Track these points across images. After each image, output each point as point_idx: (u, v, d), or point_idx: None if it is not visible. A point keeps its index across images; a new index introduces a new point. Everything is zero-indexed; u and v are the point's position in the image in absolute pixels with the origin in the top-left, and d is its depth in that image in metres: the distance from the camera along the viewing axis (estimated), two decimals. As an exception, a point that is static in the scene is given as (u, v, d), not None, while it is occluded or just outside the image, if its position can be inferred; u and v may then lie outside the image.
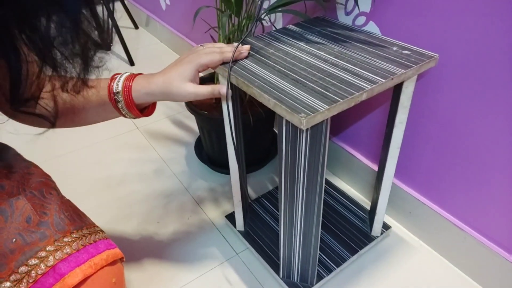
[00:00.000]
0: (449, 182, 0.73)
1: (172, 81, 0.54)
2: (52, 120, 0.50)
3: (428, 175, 0.76)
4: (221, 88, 0.56)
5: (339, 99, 0.48)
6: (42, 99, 0.47)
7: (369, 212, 0.86)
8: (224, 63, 0.58)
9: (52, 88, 0.50)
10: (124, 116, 0.59)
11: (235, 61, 0.58)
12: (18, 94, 0.39)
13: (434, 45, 0.64)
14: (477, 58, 0.60)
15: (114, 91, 0.55)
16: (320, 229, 0.64)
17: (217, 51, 0.56)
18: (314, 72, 0.55)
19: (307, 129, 0.50)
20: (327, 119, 0.50)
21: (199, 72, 0.56)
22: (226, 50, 0.57)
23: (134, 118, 0.60)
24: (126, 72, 0.58)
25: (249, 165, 1.02)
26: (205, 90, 0.55)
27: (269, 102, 0.50)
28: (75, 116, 0.58)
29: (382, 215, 0.79)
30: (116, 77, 0.56)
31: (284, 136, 0.52)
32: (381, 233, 0.82)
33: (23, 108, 0.42)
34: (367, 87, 0.51)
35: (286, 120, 0.50)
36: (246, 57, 0.59)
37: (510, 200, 0.64)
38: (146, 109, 0.60)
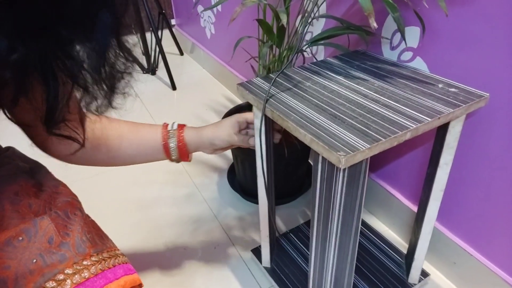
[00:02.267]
0: (498, 232, 0.66)
1: (219, 129, 0.65)
2: (81, 141, 0.51)
3: (475, 222, 0.70)
4: (251, 140, 0.65)
5: (382, 138, 0.45)
6: (70, 121, 0.49)
7: (406, 256, 0.80)
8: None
9: (78, 110, 0.53)
10: (170, 159, 0.66)
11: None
12: (54, 116, 0.41)
13: (485, 83, 0.60)
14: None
15: (169, 129, 0.65)
16: (353, 274, 0.59)
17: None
18: (354, 107, 0.53)
19: (344, 168, 0.47)
20: (367, 159, 0.47)
21: (240, 126, 0.65)
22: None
23: (177, 162, 0.67)
24: (174, 122, 0.66)
25: (281, 197, 0.99)
26: (242, 139, 0.65)
27: (305, 137, 0.47)
28: (104, 152, 0.61)
29: (421, 261, 0.73)
30: (167, 124, 0.66)
31: (319, 174, 0.50)
32: (419, 281, 0.75)
33: (56, 130, 0.43)
34: (412, 126, 0.47)
35: (323, 158, 0.47)
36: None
37: None
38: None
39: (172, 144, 0.64)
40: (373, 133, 0.46)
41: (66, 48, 0.36)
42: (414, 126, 0.47)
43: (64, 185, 0.54)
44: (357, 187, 0.49)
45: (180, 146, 0.64)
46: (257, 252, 0.83)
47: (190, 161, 0.68)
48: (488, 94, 0.54)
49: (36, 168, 0.54)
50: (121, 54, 0.41)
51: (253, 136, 0.65)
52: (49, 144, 0.56)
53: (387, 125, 0.48)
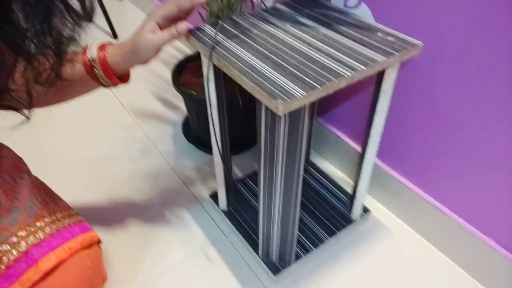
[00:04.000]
0: (433, 167, 0.74)
1: (137, 37, 0.56)
2: (26, 113, 0.49)
3: (414, 159, 0.77)
4: (178, 26, 0.56)
5: (318, 86, 0.48)
6: (15, 91, 0.46)
7: (351, 195, 0.87)
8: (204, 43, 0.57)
9: (26, 81, 0.48)
10: (103, 85, 0.59)
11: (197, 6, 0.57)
12: None
13: (423, 31, 0.64)
14: (465, 46, 0.59)
15: (89, 57, 0.56)
16: (298, 212, 0.65)
17: (173, 0, 0.57)
18: (296, 56, 0.54)
19: (285, 115, 0.50)
20: (305, 105, 0.50)
21: (160, 24, 0.57)
22: None
23: (113, 86, 0.60)
24: (92, 44, 0.58)
25: (238, 146, 1.02)
26: (164, 34, 0.56)
27: (248, 85, 0.49)
28: (54, 99, 0.57)
29: (361, 199, 0.80)
30: (87, 46, 0.57)
31: (263, 121, 0.53)
32: (361, 217, 0.83)
33: None
34: (348, 75, 0.50)
35: (265, 105, 0.50)
36: (203, 2, 0.58)
37: (493, 185, 0.66)
38: (122, 76, 0.61)
39: (98, 71, 0.57)
40: (311, 81, 0.49)
41: (4, 13, 0.33)
42: (350, 74, 0.50)
43: (8, 148, 0.53)
44: (298, 132, 0.52)
45: (106, 71, 0.57)
46: (215, 197, 0.88)
47: (127, 82, 0.62)
48: (421, 43, 0.58)
49: None
50: (67, 17, 0.38)
51: (179, 22, 0.57)
52: None
53: (325, 73, 0.51)
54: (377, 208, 0.89)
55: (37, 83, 0.42)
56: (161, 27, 0.57)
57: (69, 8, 0.38)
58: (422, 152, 0.74)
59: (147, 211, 0.88)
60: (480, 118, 0.62)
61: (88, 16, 0.41)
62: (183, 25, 0.56)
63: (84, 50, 0.57)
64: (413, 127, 0.74)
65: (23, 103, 0.49)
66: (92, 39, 0.54)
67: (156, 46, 0.56)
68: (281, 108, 0.45)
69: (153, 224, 0.85)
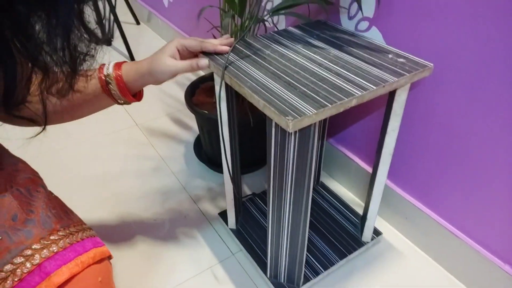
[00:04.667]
0: (444, 188, 0.73)
1: (155, 59, 0.59)
2: (42, 123, 0.50)
3: (424, 180, 0.76)
4: (199, 60, 0.58)
5: (328, 104, 0.49)
6: (31, 102, 0.47)
7: (362, 217, 0.86)
8: (216, 54, 0.59)
9: (40, 92, 0.50)
10: (116, 102, 0.61)
11: (217, 54, 0.60)
12: (12, 97, 0.40)
13: (434, 54, 0.64)
14: (475, 69, 0.60)
15: (105, 74, 0.58)
16: (307, 231, 0.65)
17: (199, 39, 0.60)
18: (307, 75, 0.55)
19: (295, 132, 0.51)
20: (315, 123, 0.50)
21: (180, 51, 0.60)
22: (209, 41, 0.60)
23: (127, 103, 0.62)
24: (110, 63, 0.60)
25: (249, 165, 1.02)
26: (184, 64, 0.58)
27: (259, 103, 0.50)
28: (58, 116, 0.59)
29: (372, 221, 0.79)
30: (104, 64, 0.60)
31: (273, 138, 0.53)
32: (372, 239, 0.82)
33: (15, 111, 0.42)
34: (358, 94, 0.51)
35: (275, 122, 0.51)
36: (226, 52, 0.60)
37: (505, 207, 0.64)
38: (136, 94, 0.63)
39: (113, 88, 0.59)
40: (321, 100, 0.50)
41: (24, 26, 0.35)
42: (360, 93, 0.51)
43: (24, 162, 0.54)
44: (307, 150, 0.53)
45: (121, 88, 0.60)
46: (223, 215, 0.88)
47: (140, 100, 0.64)
48: (432, 65, 0.58)
49: None
50: (84, 35, 0.39)
51: (200, 57, 0.60)
52: (10, 121, 0.54)
53: (335, 92, 0.51)
54: (389, 231, 0.87)
55: (48, 93, 0.44)
56: (180, 54, 0.60)
57: (88, 31, 0.40)
58: (434, 174, 0.73)
59: (157, 228, 0.88)
60: (492, 139, 0.61)
61: (107, 40, 0.42)
62: (204, 62, 0.59)
63: (101, 67, 0.60)
64: (424, 148, 0.73)
65: (38, 114, 0.51)
66: (110, 59, 0.57)
67: (173, 72, 0.59)
68: (291, 125, 0.46)
69: (162, 242, 0.85)
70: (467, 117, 0.63)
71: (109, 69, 0.59)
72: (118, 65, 0.60)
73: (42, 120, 0.50)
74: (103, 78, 0.59)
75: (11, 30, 0.35)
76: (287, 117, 0.46)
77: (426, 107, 0.69)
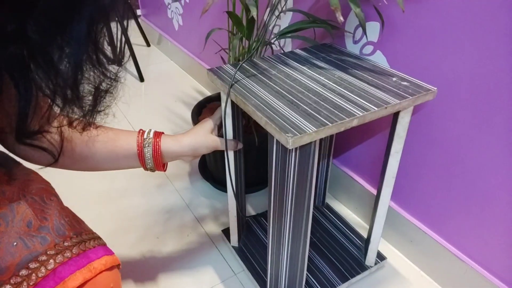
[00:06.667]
0: (449, 211, 0.72)
1: (197, 135, 0.65)
2: (55, 154, 0.51)
3: (429, 203, 0.76)
4: (237, 143, 0.68)
5: (329, 123, 0.50)
6: (49, 133, 0.49)
7: (366, 240, 0.85)
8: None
9: (60, 124, 0.52)
10: (144, 167, 0.64)
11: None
12: (24, 125, 0.41)
13: (438, 78, 0.65)
14: (479, 93, 0.60)
15: (145, 138, 0.62)
16: (307, 250, 0.64)
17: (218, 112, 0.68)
18: (311, 95, 0.57)
19: (296, 149, 0.51)
20: (315, 141, 0.51)
21: (217, 126, 0.67)
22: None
23: (151, 171, 0.65)
24: (150, 130, 0.64)
25: (254, 185, 1.03)
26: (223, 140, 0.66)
27: (261, 120, 0.51)
28: (79, 160, 0.61)
29: (376, 245, 0.78)
30: (144, 132, 0.63)
31: (274, 155, 0.54)
32: (376, 263, 0.81)
33: (27, 140, 0.43)
34: (359, 114, 0.52)
35: (276, 139, 0.52)
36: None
37: (510, 232, 0.63)
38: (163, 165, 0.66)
39: (148, 153, 0.62)
40: (322, 118, 0.51)
41: (42, 57, 0.36)
42: (361, 114, 0.52)
43: (36, 173, 0.55)
44: (308, 168, 0.53)
45: (156, 155, 0.62)
46: (226, 232, 0.88)
47: (165, 171, 0.66)
48: (435, 88, 0.59)
49: (3, 159, 0.54)
50: (99, 68, 0.40)
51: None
52: (23, 152, 0.56)
53: (337, 112, 0.52)
54: (394, 254, 0.86)
55: (69, 127, 0.45)
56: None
57: (101, 53, 0.40)
58: (439, 197, 0.73)
59: (159, 245, 0.88)
60: (496, 162, 0.61)
61: (118, 61, 0.44)
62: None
63: (142, 131, 0.63)
64: (429, 171, 0.73)
65: (53, 144, 0.52)
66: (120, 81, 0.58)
67: (216, 147, 0.66)
68: (291, 142, 0.47)
69: (164, 260, 0.85)
70: (471, 140, 0.63)
71: (150, 135, 0.63)
72: (157, 134, 0.63)
73: (55, 151, 0.52)
74: (141, 142, 0.62)
75: (30, 59, 0.36)
76: (287, 134, 0.47)
77: (430, 130, 0.70)
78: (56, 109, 0.41)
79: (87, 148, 0.60)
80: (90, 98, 0.41)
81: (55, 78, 0.37)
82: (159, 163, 0.63)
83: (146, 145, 0.62)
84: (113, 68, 0.42)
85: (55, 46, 0.36)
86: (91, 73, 0.39)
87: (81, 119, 0.43)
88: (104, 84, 0.42)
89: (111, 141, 0.61)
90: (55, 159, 0.52)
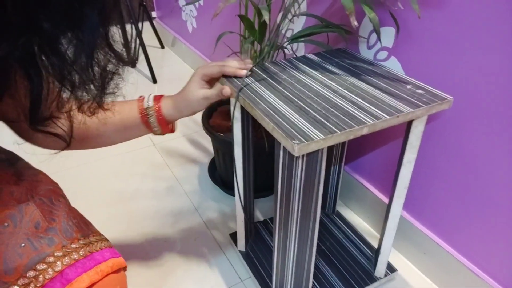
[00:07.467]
0: (465, 224, 0.69)
1: (187, 91, 0.64)
2: (67, 139, 0.52)
3: (442, 214, 0.73)
4: (224, 90, 0.62)
5: (337, 131, 0.48)
6: (59, 119, 0.49)
7: (376, 251, 0.83)
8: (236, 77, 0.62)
9: (69, 109, 0.53)
10: (153, 132, 0.66)
11: (236, 77, 0.62)
12: (38, 113, 0.41)
13: (454, 86, 0.63)
14: (496, 103, 0.58)
15: (145, 106, 0.64)
16: (313, 259, 0.63)
17: (220, 64, 0.63)
18: (320, 101, 0.55)
19: (302, 157, 0.50)
20: (323, 149, 0.49)
21: (205, 80, 0.64)
22: (228, 65, 0.62)
23: (161, 134, 0.67)
24: (150, 94, 0.65)
25: (263, 190, 1.02)
26: (213, 91, 0.63)
27: (269, 125, 0.50)
28: (92, 140, 0.62)
29: (386, 256, 0.76)
30: (143, 97, 0.65)
31: (281, 161, 0.53)
32: (385, 275, 0.78)
33: (40, 127, 0.44)
34: (369, 122, 0.50)
35: (283, 146, 0.51)
36: (245, 76, 0.63)
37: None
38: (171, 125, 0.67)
39: (152, 120, 0.64)
40: (331, 126, 0.49)
41: (52, 45, 0.36)
42: (372, 122, 0.50)
43: (44, 174, 0.55)
44: (315, 175, 0.52)
45: (160, 119, 0.64)
46: (234, 236, 0.87)
47: (174, 131, 0.68)
48: (451, 98, 0.57)
49: (13, 159, 0.55)
50: (110, 54, 0.41)
51: (224, 88, 0.64)
52: (37, 139, 0.57)
53: (347, 120, 0.51)
54: (405, 266, 0.83)
55: (79, 111, 0.46)
56: (207, 82, 0.64)
57: (114, 52, 0.41)
58: (453, 208, 0.70)
59: (166, 248, 0.88)
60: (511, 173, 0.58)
61: (132, 62, 0.44)
62: (227, 91, 0.64)
63: (141, 98, 0.64)
64: (442, 181, 0.70)
65: (64, 130, 0.53)
66: (133, 81, 0.59)
67: (205, 100, 0.64)
68: (297, 149, 0.45)
69: (171, 264, 0.85)
70: (487, 152, 0.61)
71: (149, 101, 0.64)
72: (157, 98, 0.65)
73: (67, 135, 0.52)
74: (143, 109, 0.64)
75: (39, 47, 0.36)
76: (293, 141, 0.46)
77: (445, 139, 0.67)
78: (67, 94, 0.41)
79: (100, 129, 0.62)
80: (99, 80, 0.42)
81: (66, 66, 0.38)
82: (165, 126, 0.65)
83: (149, 113, 0.64)
84: (121, 50, 0.43)
85: (67, 35, 0.36)
86: (101, 56, 0.40)
87: (91, 102, 0.44)
88: (111, 66, 0.42)
89: (118, 114, 0.63)
90: (67, 143, 0.53)
